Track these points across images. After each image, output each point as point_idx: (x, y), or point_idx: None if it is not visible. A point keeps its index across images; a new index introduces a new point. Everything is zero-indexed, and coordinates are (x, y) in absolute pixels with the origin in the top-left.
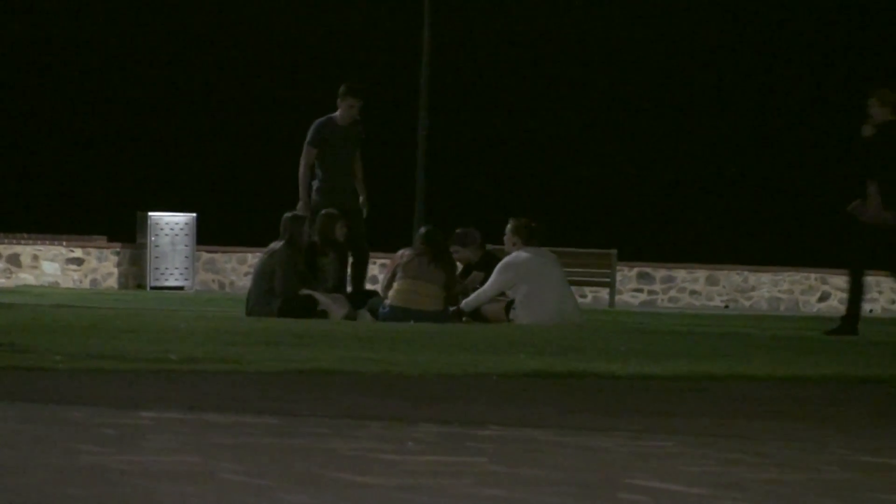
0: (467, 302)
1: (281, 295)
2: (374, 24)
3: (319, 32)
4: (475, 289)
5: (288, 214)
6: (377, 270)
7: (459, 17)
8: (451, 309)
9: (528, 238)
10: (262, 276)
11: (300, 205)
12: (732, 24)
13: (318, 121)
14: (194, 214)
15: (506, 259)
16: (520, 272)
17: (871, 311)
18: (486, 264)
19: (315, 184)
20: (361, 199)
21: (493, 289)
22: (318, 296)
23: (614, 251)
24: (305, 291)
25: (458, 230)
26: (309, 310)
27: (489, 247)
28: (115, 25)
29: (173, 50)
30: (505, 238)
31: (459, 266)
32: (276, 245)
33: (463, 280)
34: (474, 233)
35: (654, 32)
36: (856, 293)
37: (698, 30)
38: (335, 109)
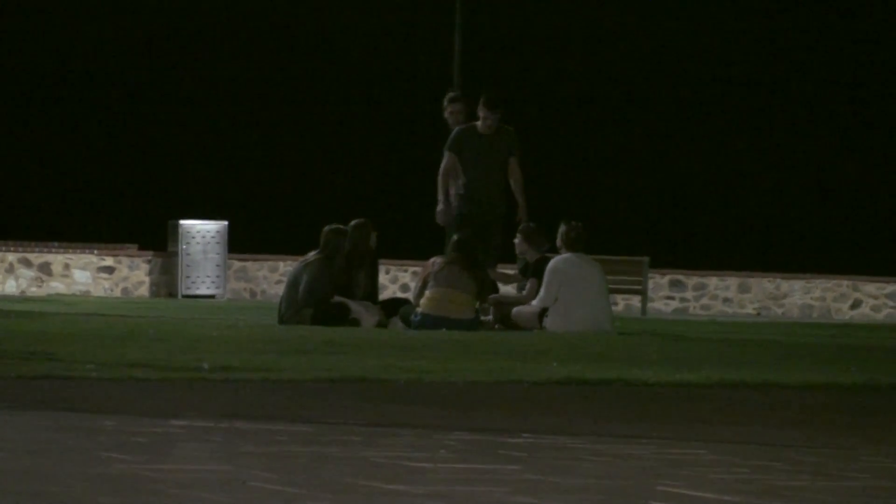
0: (519, 310)
1: (304, 304)
2: (405, 29)
3: (352, 37)
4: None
5: (328, 227)
6: (409, 278)
7: (494, 19)
8: (484, 318)
9: (572, 244)
10: (295, 285)
11: (438, 209)
12: (764, 27)
13: (458, 127)
14: (226, 222)
15: (549, 265)
16: (559, 278)
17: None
18: (539, 270)
19: (457, 190)
20: (520, 206)
21: (547, 297)
22: (351, 303)
23: (646, 258)
24: (338, 299)
25: (524, 224)
26: (341, 317)
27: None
28: (145, 33)
29: (204, 57)
30: (556, 242)
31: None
32: (311, 256)
33: (522, 278)
34: (533, 231)
35: (687, 41)
36: None
37: (728, 37)
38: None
